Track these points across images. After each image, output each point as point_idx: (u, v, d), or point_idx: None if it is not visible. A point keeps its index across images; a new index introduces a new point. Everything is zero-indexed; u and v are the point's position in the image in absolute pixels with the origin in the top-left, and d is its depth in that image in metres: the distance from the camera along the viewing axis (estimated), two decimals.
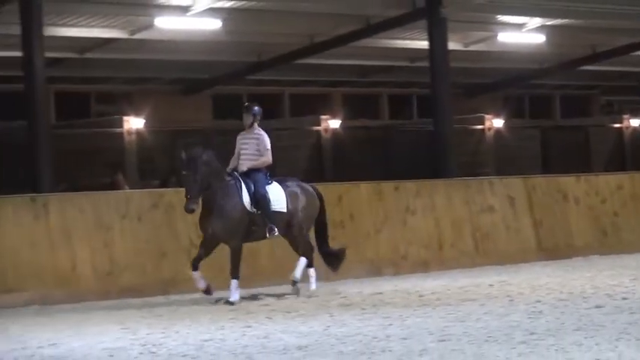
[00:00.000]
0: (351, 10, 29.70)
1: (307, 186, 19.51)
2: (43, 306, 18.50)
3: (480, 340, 12.86)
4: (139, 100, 35.19)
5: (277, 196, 18.58)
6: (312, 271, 19.27)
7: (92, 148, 30.57)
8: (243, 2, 27.73)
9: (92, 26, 29.54)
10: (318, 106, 38.85)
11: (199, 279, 18.11)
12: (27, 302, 18.72)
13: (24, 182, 22.61)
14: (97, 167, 29.56)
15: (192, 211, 17.78)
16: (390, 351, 12.20)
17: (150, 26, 29.06)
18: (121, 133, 31.58)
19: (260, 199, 18.21)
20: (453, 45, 29.51)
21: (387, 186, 23.74)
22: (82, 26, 29.29)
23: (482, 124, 37.63)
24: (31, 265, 19.28)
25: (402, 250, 23.33)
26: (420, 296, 18.46)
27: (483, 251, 24.34)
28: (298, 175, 21.74)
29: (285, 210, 18.65)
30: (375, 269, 22.64)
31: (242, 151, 18.55)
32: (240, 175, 18.35)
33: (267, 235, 18.39)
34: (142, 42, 30.72)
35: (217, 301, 18.16)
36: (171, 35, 29.73)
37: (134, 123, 32.02)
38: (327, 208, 19.65)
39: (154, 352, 12.82)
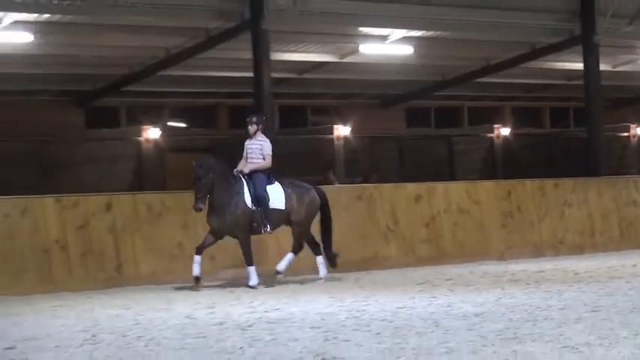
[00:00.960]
0: (520, 38, 29.48)
1: (309, 187, 18.43)
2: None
3: (626, 310, 12.65)
4: (346, 112, 35.35)
5: (277, 195, 17.73)
6: (320, 259, 18.25)
7: (309, 151, 30.99)
8: (430, 32, 27.69)
9: (309, 52, 29.85)
10: (492, 117, 38.63)
11: (197, 264, 17.19)
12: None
13: None
14: (312, 167, 29.84)
15: (199, 210, 17.12)
16: (550, 319, 12.07)
17: (355, 52, 29.32)
18: (332, 139, 31.97)
19: (259, 198, 17.48)
20: (603, 66, 29.06)
21: (548, 183, 23.59)
22: (301, 52, 29.63)
23: (628, 131, 37.25)
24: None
25: (560, 236, 23.24)
26: (576, 274, 18.26)
27: (628, 237, 24.25)
28: (475, 174, 21.66)
29: (283, 208, 17.74)
30: (538, 251, 22.59)
31: (248, 155, 17.84)
32: (244, 177, 17.64)
33: (262, 231, 17.59)
34: (348, 64, 30.85)
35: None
36: (372, 59, 29.81)
37: (342, 131, 32.42)
38: (498, 202, 19.58)
39: (357, 317, 12.85)
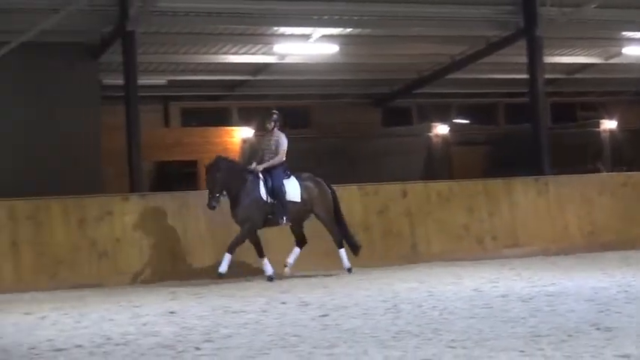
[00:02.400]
0: None
1: (320, 180, 16.84)
2: (543, 257, 18.55)
3: None
4: (611, 107, 34.44)
5: (293, 188, 16.26)
6: (342, 252, 16.76)
7: (579, 143, 30.41)
8: None
9: (577, 55, 29.44)
10: None
11: (268, 265, 16.10)
12: (532, 253, 18.80)
13: (530, 167, 22.78)
14: (582, 157, 29.32)
15: (213, 208, 15.74)
16: None
17: (619, 54, 28.68)
18: (599, 132, 31.17)
19: (275, 190, 16.05)
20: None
21: None
22: (569, 55, 29.27)
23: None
24: (535, 227, 19.37)
25: None
26: None
27: None
28: None
29: (299, 200, 16.29)
30: None
31: (265, 150, 16.44)
32: (260, 173, 16.18)
33: (279, 222, 16.19)
34: (613, 65, 30.17)
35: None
36: (635, 59, 29.05)
37: (608, 124, 31.54)
38: None
39: (627, 291, 12.51)
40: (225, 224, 16.84)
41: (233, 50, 25.15)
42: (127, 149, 19.67)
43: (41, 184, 19.69)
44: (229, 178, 15.79)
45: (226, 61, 25.81)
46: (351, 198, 18.38)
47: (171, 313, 12.16)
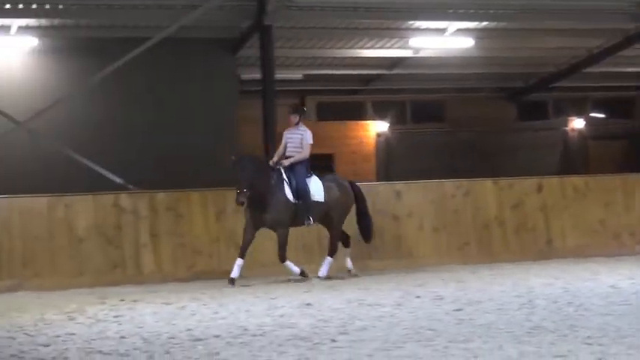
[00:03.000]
0: None
1: (343, 180, 16.35)
2: None
3: None
4: None
5: (316, 187, 15.58)
6: (348, 251, 16.15)
7: None
8: None
9: None
10: None
11: (238, 267, 15.09)
12: None
13: None
14: None
15: (242, 204, 15.08)
16: None
17: None
18: None
19: (301, 191, 15.38)
20: None
21: None
22: None
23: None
24: None
25: None
26: None
27: None
28: None
29: (323, 200, 15.59)
30: None
31: (288, 145, 15.73)
32: (284, 170, 15.54)
33: (305, 223, 15.53)
34: None
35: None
36: None
37: None
38: None
39: None
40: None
41: (368, 44, 25.19)
42: (264, 143, 19.89)
43: (180, 176, 20.07)
44: (255, 175, 15.14)
45: (362, 55, 25.87)
46: (485, 192, 18.27)
47: (307, 305, 12.26)
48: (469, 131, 29.70)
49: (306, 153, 15.71)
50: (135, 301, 13.51)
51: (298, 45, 24.67)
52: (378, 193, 17.86)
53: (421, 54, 26.01)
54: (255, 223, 15.32)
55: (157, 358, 8.74)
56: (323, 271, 15.80)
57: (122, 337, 10.07)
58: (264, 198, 15.24)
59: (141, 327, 10.84)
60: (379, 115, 29.62)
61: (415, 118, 30.49)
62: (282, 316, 11.34)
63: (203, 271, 16.47)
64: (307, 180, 15.62)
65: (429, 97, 30.58)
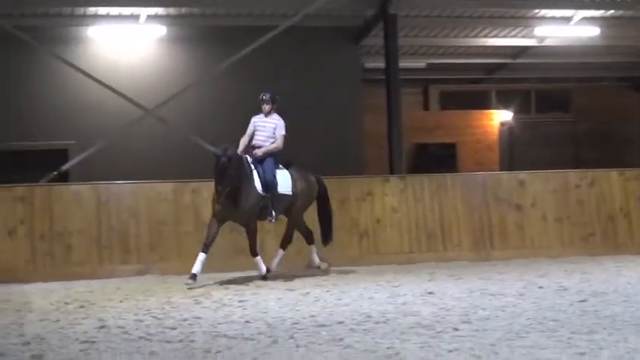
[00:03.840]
0: None
1: (309, 174, 15.16)
2: None
3: None
4: None
5: (284, 180, 14.50)
6: (313, 248, 15.24)
7: None
8: None
9: None
10: None
11: (200, 262, 13.76)
12: None
13: None
14: None
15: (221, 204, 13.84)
16: None
17: None
18: None
19: (269, 184, 14.25)
20: None
21: None
22: None
23: None
24: None
25: None
26: None
27: None
28: None
29: (290, 193, 14.55)
30: None
31: (258, 133, 14.53)
32: (252, 161, 14.32)
33: (267, 219, 14.35)
34: None
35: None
36: None
37: None
38: None
39: None
40: (481, 206, 16.85)
41: (493, 33, 24.92)
42: (388, 131, 19.87)
43: (305, 163, 20.19)
44: (237, 172, 13.95)
45: (486, 44, 25.62)
46: (610, 183, 17.95)
47: (430, 293, 12.23)
48: (594, 121, 29.21)
49: (279, 144, 14.57)
50: (259, 286, 13.67)
51: (422, 34, 24.56)
52: (501, 182, 17.71)
53: (546, 43, 25.64)
54: (224, 217, 14.08)
55: (281, 343, 8.83)
56: (273, 263, 14.92)
57: (247, 322, 10.21)
58: (238, 192, 14.00)
59: (265, 312, 10.97)
60: (503, 104, 29.33)
61: (539, 108, 30.08)
62: (404, 303, 11.34)
63: (326, 258, 16.53)
64: (276, 172, 14.54)
65: (554, 86, 30.15)
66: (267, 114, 14.66)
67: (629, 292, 11.92)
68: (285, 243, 15.16)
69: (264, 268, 14.51)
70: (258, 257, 14.50)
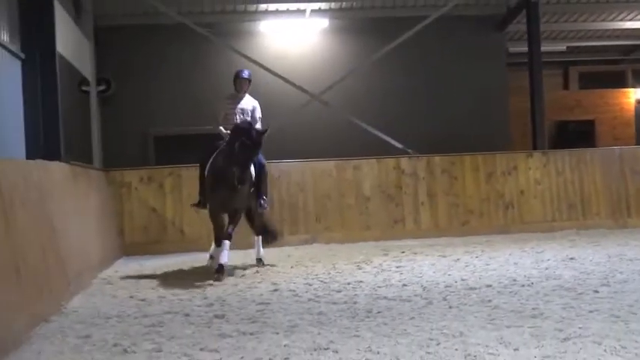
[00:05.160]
0: None
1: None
2: None
3: None
4: None
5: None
6: (259, 239, 12.99)
7: None
8: None
9: None
10: None
11: (226, 251, 11.55)
12: None
13: None
14: None
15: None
16: None
17: None
18: None
19: (262, 167, 12.22)
20: None
21: None
22: None
23: None
24: None
25: None
26: None
27: None
28: None
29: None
30: None
31: (238, 114, 12.27)
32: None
33: (258, 209, 12.31)
34: None
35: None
36: None
37: None
38: None
39: None
40: (618, 178, 16.52)
41: (629, 17, 24.24)
42: (531, 110, 19.62)
43: (454, 141, 20.16)
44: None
45: (623, 27, 24.93)
46: None
47: (571, 259, 12.10)
48: None
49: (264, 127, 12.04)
50: (414, 253, 13.76)
51: (563, 19, 24.07)
52: (637, 155, 17.30)
53: None
54: (225, 207, 11.77)
55: (435, 304, 8.91)
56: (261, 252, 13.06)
57: (404, 285, 10.31)
58: (243, 179, 11.42)
59: (420, 276, 11.05)
60: (639, 83, 28.62)
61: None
62: (547, 268, 11.26)
63: (474, 227, 16.53)
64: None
65: None
66: (241, 94, 12.43)
67: None
68: (260, 230, 13.06)
69: (225, 256, 11.54)
70: (228, 243, 11.60)
